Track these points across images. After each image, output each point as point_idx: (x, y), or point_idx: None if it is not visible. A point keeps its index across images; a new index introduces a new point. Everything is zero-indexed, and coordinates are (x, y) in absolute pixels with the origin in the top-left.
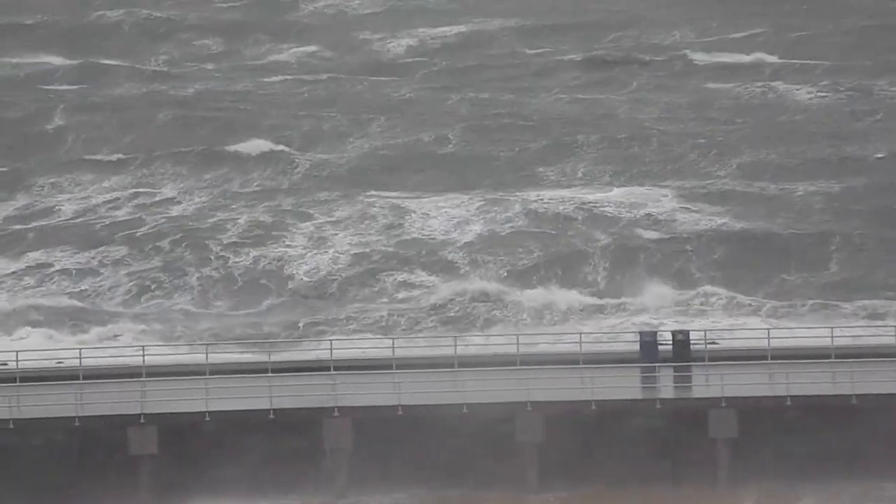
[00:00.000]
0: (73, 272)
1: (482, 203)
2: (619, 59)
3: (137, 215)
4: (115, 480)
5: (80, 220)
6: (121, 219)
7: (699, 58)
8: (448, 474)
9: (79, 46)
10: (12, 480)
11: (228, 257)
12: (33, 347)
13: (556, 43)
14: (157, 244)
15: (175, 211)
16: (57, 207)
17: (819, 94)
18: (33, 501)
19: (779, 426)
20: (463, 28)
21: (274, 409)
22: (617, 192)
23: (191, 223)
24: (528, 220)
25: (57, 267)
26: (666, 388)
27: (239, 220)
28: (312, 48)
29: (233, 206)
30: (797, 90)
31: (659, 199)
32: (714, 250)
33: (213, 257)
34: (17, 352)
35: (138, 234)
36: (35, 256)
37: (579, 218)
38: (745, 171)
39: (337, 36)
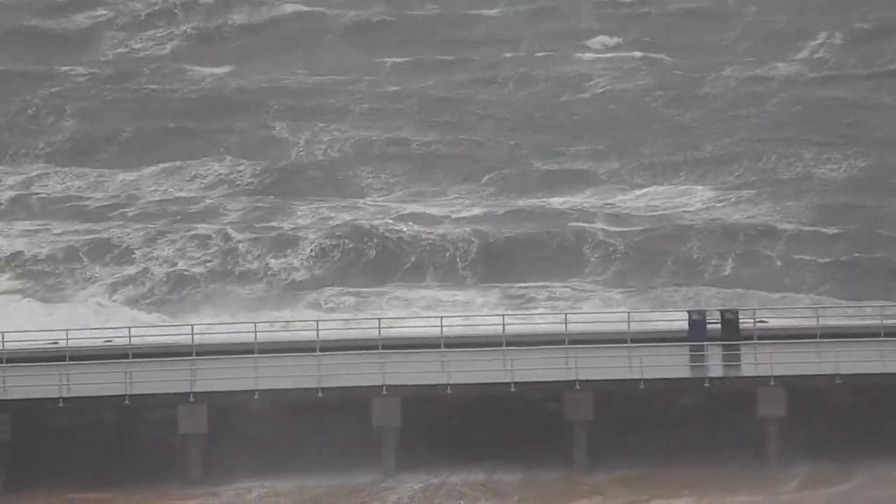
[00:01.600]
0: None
1: None
2: None
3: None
4: (165, 459)
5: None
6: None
7: None
8: (496, 454)
9: None
10: (62, 459)
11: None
12: (83, 326)
13: None
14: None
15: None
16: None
17: None
18: (83, 480)
19: (828, 405)
20: None
21: (322, 388)
22: None
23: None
24: None
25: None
26: (715, 366)
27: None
28: None
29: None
30: None
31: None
32: None
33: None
34: (66, 330)
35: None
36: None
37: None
38: None
39: None
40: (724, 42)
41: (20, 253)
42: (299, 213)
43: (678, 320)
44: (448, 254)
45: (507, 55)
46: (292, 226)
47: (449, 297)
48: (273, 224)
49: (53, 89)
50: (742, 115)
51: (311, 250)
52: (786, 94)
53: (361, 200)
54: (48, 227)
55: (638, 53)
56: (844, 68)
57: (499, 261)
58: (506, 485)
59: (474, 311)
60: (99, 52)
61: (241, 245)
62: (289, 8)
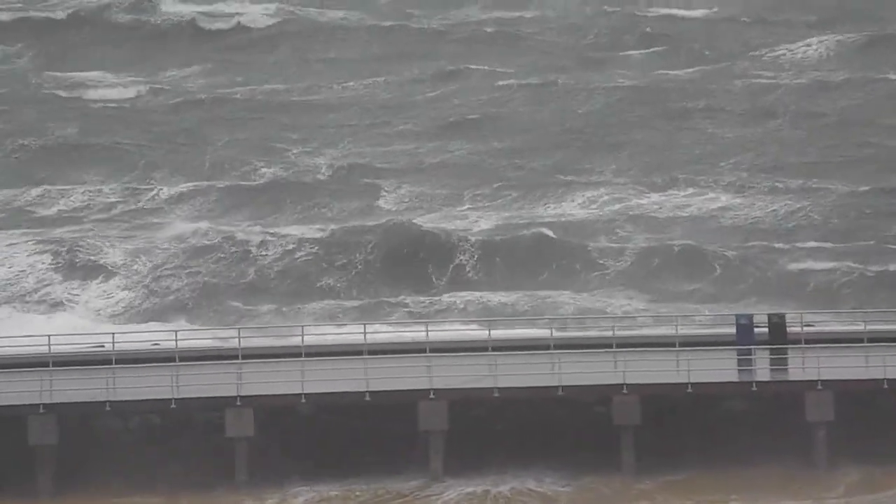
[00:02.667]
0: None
1: None
2: None
3: None
4: (212, 462)
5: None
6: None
7: None
8: (544, 457)
9: None
10: (109, 462)
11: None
12: (129, 330)
13: None
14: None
15: None
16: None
17: None
18: (130, 483)
19: (875, 409)
20: None
21: (370, 392)
22: None
23: None
24: None
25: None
26: (762, 370)
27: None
28: None
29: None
30: None
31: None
32: None
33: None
34: (113, 334)
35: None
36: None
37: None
38: None
39: None
40: None
41: None
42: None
43: (726, 325)
44: (493, 258)
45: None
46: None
47: (496, 301)
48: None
49: None
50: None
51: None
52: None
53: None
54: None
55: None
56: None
57: (542, 265)
58: (553, 489)
59: (521, 315)
60: None
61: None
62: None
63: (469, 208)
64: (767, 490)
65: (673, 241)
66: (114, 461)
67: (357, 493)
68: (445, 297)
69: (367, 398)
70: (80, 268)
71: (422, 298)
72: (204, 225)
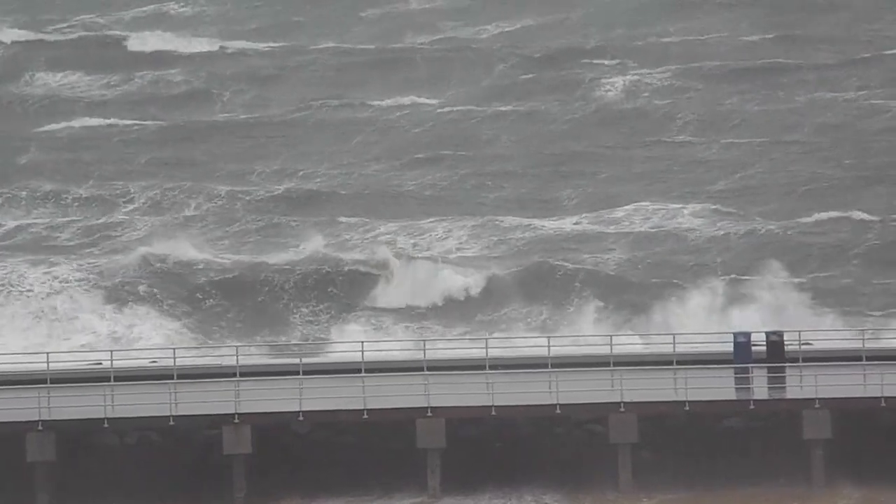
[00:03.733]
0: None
1: None
2: None
3: None
4: (210, 480)
5: None
6: None
7: None
8: (541, 476)
9: None
10: (108, 479)
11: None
12: (127, 347)
13: None
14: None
15: None
16: None
17: None
18: (128, 500)
19: (873, 427)
20: None
21: (368, 410)
22: None
23: None
24: None
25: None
26: (760, 388)
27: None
28: None
29: None
30: None
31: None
32: None
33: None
34: (111, 351)
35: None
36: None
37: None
38: None
39: None
40: None
41: None
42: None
43: (723, 342)
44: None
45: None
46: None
47: (493, 320)
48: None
49: None
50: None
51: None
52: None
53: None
54: None
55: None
56: None
57: (533, 286)
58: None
59: (518, 332)
60: None
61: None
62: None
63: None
64: None
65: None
66: (112, 478)
67: None
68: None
69: (365, 416)
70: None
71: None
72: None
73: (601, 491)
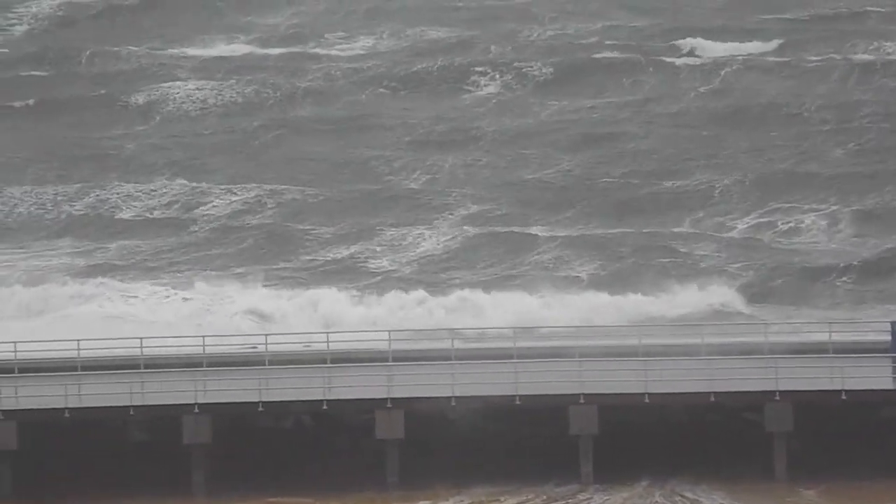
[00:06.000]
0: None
1: None
2: None
3: None
4: (363, 464)
5: None
6: None
7: None
8: (696, 463)
9: None
10: (262, 462)
11: None
12: (282, 331)
13: None
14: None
15: None
16: None
17: None
18: (282, 484)
19: None
20: None
21: (520, 396)
22: None
23: None
24: None
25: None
26: None
27: None
28: None
29: None
30: None
31: None
32: None
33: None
34: (266, 335)
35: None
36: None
37: None
38: None
39: None
40: None
41: None
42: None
43: (881, 332)
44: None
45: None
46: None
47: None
48: None
49: None
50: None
51: None
52: None
53: None
54: None
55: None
56: None
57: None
58: (708, 496)
59: (675, 320)
60: None
61: None
62: None
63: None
64: None
65: None
66: (266, 461)
67: (506, 498)
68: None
69: (518, 402)
70: None
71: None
72: None
73: (756, 480)
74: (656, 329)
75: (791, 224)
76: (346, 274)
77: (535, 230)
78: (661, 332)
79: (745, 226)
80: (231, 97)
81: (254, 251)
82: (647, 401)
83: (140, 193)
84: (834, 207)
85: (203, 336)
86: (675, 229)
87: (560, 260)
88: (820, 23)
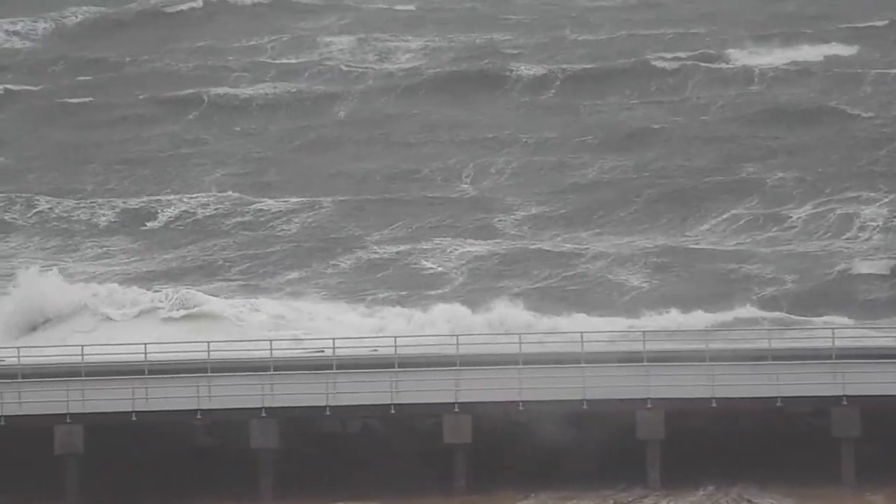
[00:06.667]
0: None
1: None
2: None
3: None
4: (430, 469)
5: None
6: None
7: None
8: (762, 468)
9: None
10: (329, 466)
11: None
12: (349, 335)
13: None
14: None
15: None
16: None
17: None
18: (349, 488)
19: None
20: None
21: (587, 400)
22: None
23: None
24: None
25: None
26: None
27: None
28: None
29: None
30: None
31: None
32: None
33: None
34: (333, 339)
35: None
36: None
37: None
38: None
39: None
40: None
41: None
42: None
43: None
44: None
45: None
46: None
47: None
48: None
49: None
50: None
51: None
52: None
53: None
54: None
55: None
56: None
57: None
58: (777, 500)
59: (738, 325)
60: None
61: None
62: None
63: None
64: None
65: None
66: (333, 465)
67: (572, 502)
68: None
69: (585, 406)
70: None
71: None
72: None
73: (823, 486)
74: (722, 333)
75: (850, 222)
76: (406, 280)
77: (587, 235)
78: (727, 336)
79: (803, 228)
80: (285, 100)
81: (307, 256)
82: (713, 405)
83: (192, 201)
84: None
85: (270, 340)
86: (734, 232)
87: (615, 263)
88: (869, 30)
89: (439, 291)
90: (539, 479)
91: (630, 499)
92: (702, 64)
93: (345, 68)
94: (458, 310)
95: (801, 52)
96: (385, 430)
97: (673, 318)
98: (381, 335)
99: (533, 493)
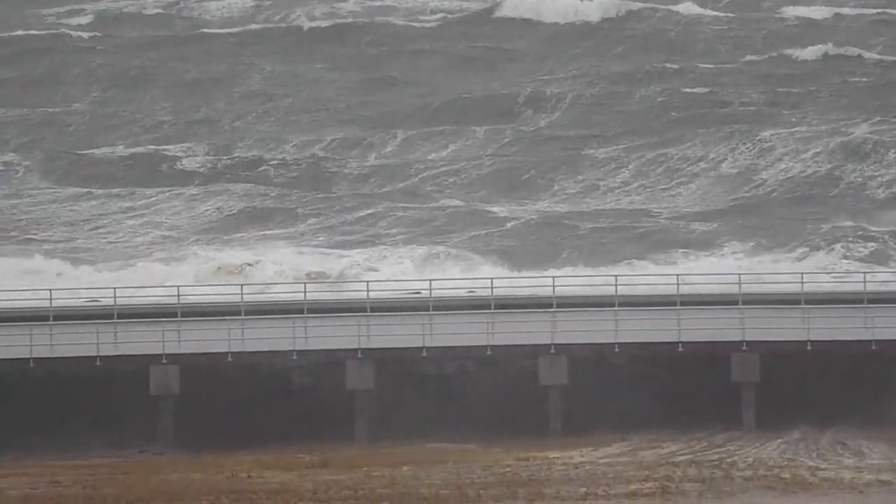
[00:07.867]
0: None
1: None
2: None
3: None
4: (526, 410)
5: None
6: None
7: None
8: (856, 412)
9: None
10: (425, 407)
11: None
12: (444, 277)
13: None
14: None
15: None
16: None
17: None
18: (444, 430)
19: None
20: None
21: (683, 342)
22: None
23: None
24: None
25: None
26: None
27: None
28: None
29: None
30: None
31: None
32: None
33: None
34: (429, 280)
35: None
36: None
37: None
38: None
39: None
40: None
41: None
42: None
43: None
44: None
45: None
46: None
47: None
48: None
49: None
50: None
51: None
52: None
53: None
54: None
55: None
56: None
57: None
58: (867, 446)
59: (834, 267)
60: None
61: None
62: None
63: None
64: None
65: None
66: (429, 407)
67: (665, 445)
68: None
69: (680, 349)
70: None
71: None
72: None
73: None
74: (818, 276)
75: None
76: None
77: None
78: (823, 279)
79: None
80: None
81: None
82: (808, 348)
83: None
84: None
85: (367, 281)
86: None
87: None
88: None
89: None
90: (634, 420)
91: (724, 441)
92: None
93: None
94: None
95: None
96: (481, 371)
97: (766, 262)
98: (477, 276)
99: (627, 435)
